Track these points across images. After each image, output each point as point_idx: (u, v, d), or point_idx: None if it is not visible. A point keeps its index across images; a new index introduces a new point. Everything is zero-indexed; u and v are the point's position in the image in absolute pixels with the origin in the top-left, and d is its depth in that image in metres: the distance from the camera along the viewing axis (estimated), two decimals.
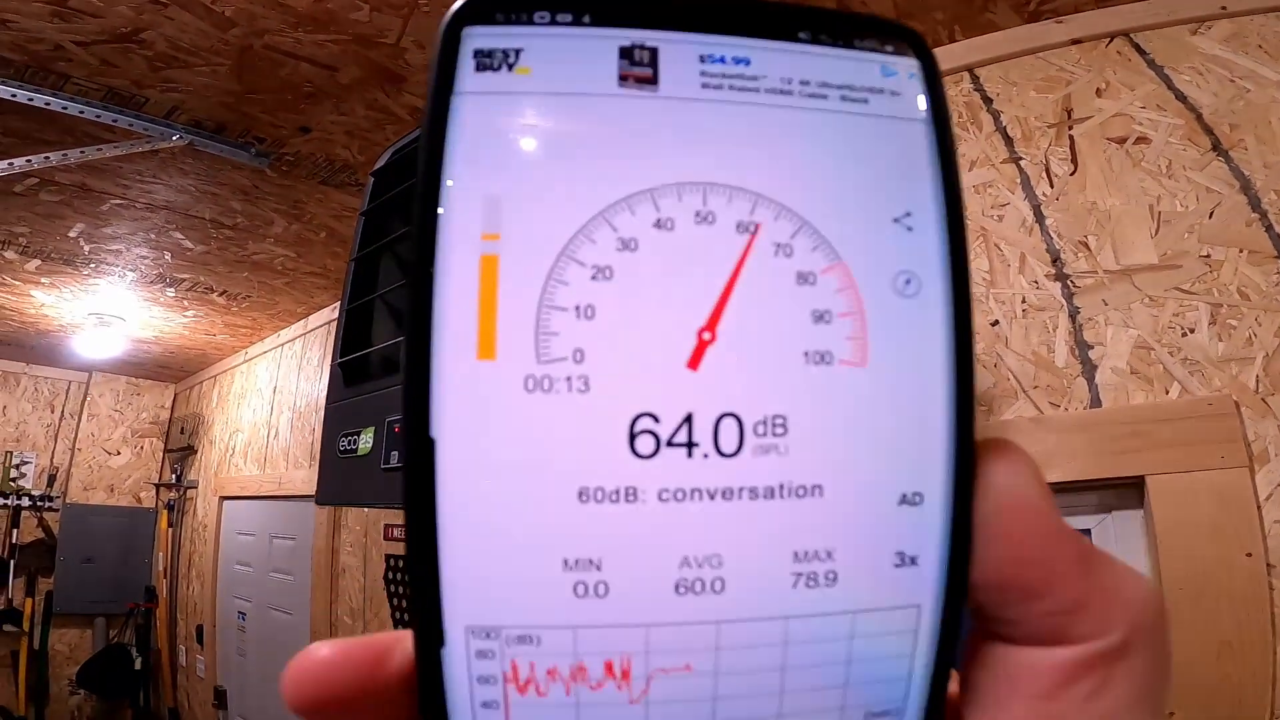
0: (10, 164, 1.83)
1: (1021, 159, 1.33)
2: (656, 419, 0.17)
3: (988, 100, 1.40)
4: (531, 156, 0.18)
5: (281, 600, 3.20)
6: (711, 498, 0.17)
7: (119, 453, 4.57)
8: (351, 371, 1.05)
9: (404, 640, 0.18)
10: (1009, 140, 1.35)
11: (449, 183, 0.17)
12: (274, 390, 3.50)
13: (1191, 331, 1.12)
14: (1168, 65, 1.25)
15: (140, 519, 4.44)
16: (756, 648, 0.17)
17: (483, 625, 0.17)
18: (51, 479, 4.27)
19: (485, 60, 0.18)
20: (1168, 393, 1.12)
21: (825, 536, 0.17)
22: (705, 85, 0.18)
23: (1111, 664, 0.17)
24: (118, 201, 2.25)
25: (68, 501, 4.28)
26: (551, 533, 0.17)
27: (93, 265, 2.80)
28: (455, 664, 0.17)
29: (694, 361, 0.17)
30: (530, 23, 0.18)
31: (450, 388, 0.17)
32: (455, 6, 0.18)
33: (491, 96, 0.18)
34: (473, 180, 0.17)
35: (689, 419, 0.17)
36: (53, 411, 4.43)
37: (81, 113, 1.69)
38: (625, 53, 0.18)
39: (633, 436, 0.17)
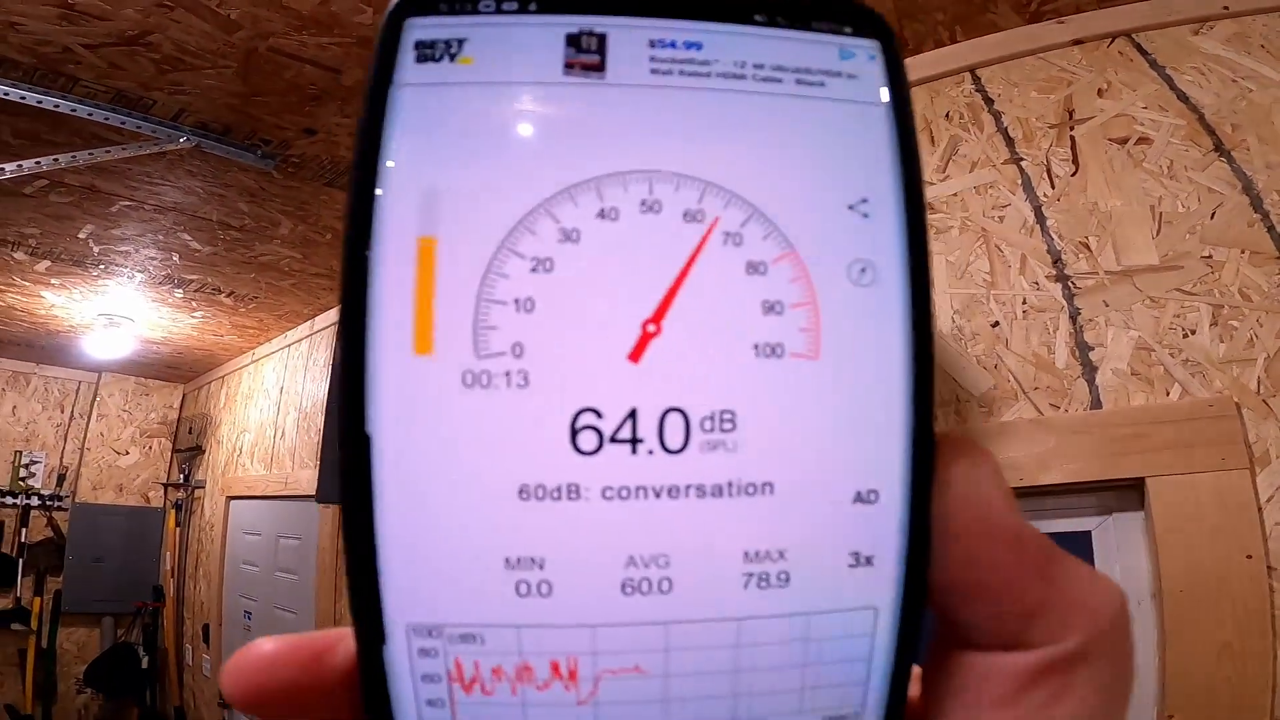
0: (20, 165, 1.85)
1: (1023, 160, 1.33)
2: (599, 414, 0.17)
3: (989, 101, 1.40)
4: (471, 148, 0.17)
5: (287, 600, 3.22)
6: (657, 495, 0.17)
7: (128, 452, 4.59)
8: None
9: (346, 637, 0.17)
10: (1010, 141, 1.35)
11: (385, 175, 0.17)
12: (280, 391, 3.51)
13: (1192, 333, 1.11)
14: (1169, 65, 1.24)
15: (148, 518, 4.46)
16: (708, 650, 0.17)
17: (424, 624, 0.16)
18: (61, 478, 4.29)
19: (426, 51, 0.17)
20: (1168, 394, 1.11)
21: (777, 536, 0.17)
22: (655, 71, 0.18)
23: (1071, 670, 0.16)
24: (126, 203, 2.27)
25: (77, 501, 4.30)
26: (492, 531, 0.16)
27: (102, 266, 2.82)
28: (398, 662, 0.16)
29: (637, 355, 0.17)
30: (475, 12, 0.17)
31: (386, 383, 0.16)
32: None
33: (431, 88, 0.17)
34: (410, 172, 0.17)
35: (633, 414, 0.17)
36: (62, 411, 4.45)
37: (90, 115, 1.70)
38: (572, 40, 0.18)
39: (574, 433, 0.16)
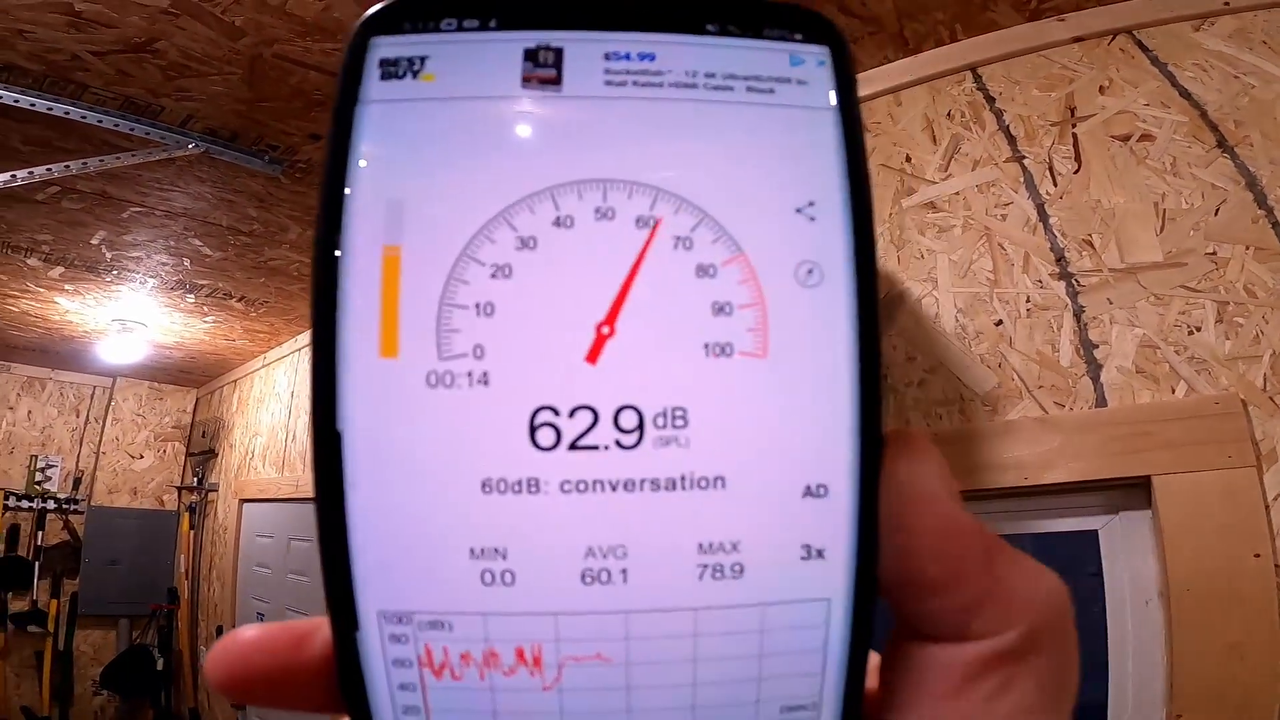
0: (31, 172, 1.87)
1: (1025, 158, 1.32)
2: (556, 412, 0.17)
3: (990, 99, 1.39)
4: (433, 160, 0.18)
5: (298, 602, 3.23)
6: (614, 489, 0.17)
7: (142, 456, 4.64)
8: None
9: (324, 625, 0.18)
10: (1012, 139, 1.35)
11: (351, 189, 0.18)
12: (291, 394, 3.54)
13: (1198, 330, 1.11)
14: (1171, 62, 1.24)
15: (163, 521, 4.49)
16: (666, 639, 0.17)
17: (394, 610, 0.17)
18: (77, 482, 4.34)
19: (390, 69, 0.18)
20: (1174, 392, 1.10)
21: (730, 528, 0.17)
22: (609, 83, 0.18)
23: (1013, 663, 0.17)
24: (137, 209, 2.29)
25: (92, 504, 4.34)
26: (457, 522, 0.17)
27: (114, 272, 2.84)
28: (370, 647, 0.17)
29: (593, 355, 0.17)
30: (437, 30, 0.18)
31: (355, 384, 0.17)
32: (363, 17, 0.18)
33: (394, 104, 0.18)
34: (375, 185, 0.18)
35: (589, 412, 0.17)
36: (78, 416, 4.50)
37: (100, 122, 1.72)
38: (530, 54, 0.18)
39: (533, 429, 0.17)
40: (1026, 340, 1.24)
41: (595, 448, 0.17)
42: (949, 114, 1.43)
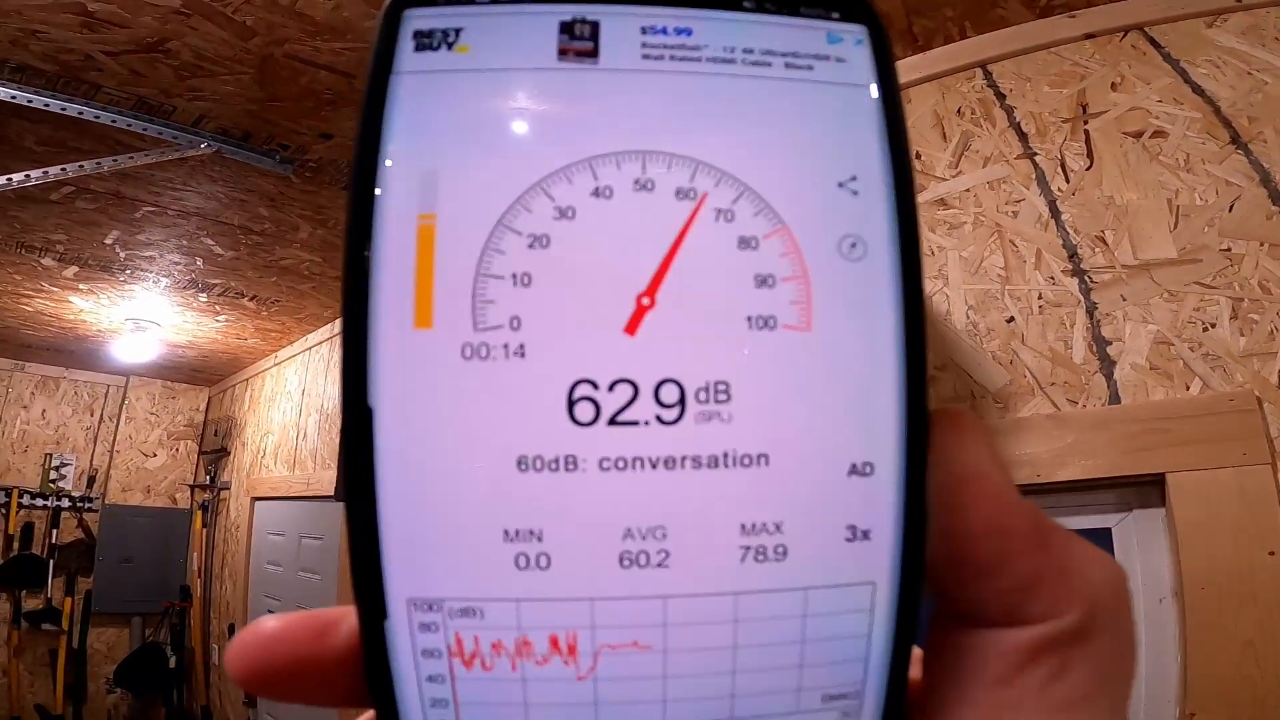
0: (45, 172, 1.89)
1: (1036, 154, 1.32)
2: (595, 386, 0.17)
3: (1001, 96, 1.38)
4: (468, 131, 0.18)
5: (309, 599, 3.25)
6: (654, 467, 0.17)
7: (155, 455, 4.67)
8: None
9: (349, 614, 0.17)
10: (1023, 136, 1.34)
11: (386, 159, 0.17)
12: (302, 393, 3.55)
13: (1212, 326, 1.10)
14: (1184, 58, 1.23)
15: (176, 519, 4.52)
16: (706, 624, 0.17)
17: (425, 598, 0.16)
18: (91, 480, 4.37)
19: (424, 40, 0.18)
20: (1188, 388, 1.10)
21: (773, 508, 0.17)
22: (646, 56, 0.18)
23: (1069, 648, 0.16)
24: (150, 208, 2.30)
25: (106, 502, 4.37)
26: (491, 502, 0.16)
27: (128, 271, 2.86)
28: (399, 637, 0.16)
29: (632, 327, 0.17)
30: (471, 2, 0.18)
31: (387, 357, 0.16)
32: None
33: (429, 75, 0.18)
34: (408, 155, 0.17)
35: (629, 385, 0.17)
36: (92, 415, 4.53)
37: (114, 122, 1.73)
38: (565, 27, 0.18)
39: (571, 404, 0.17)
40: (1039, 337, 1.24)
41: (635, 423, 0.17)
42: (959, 111, 1.43)
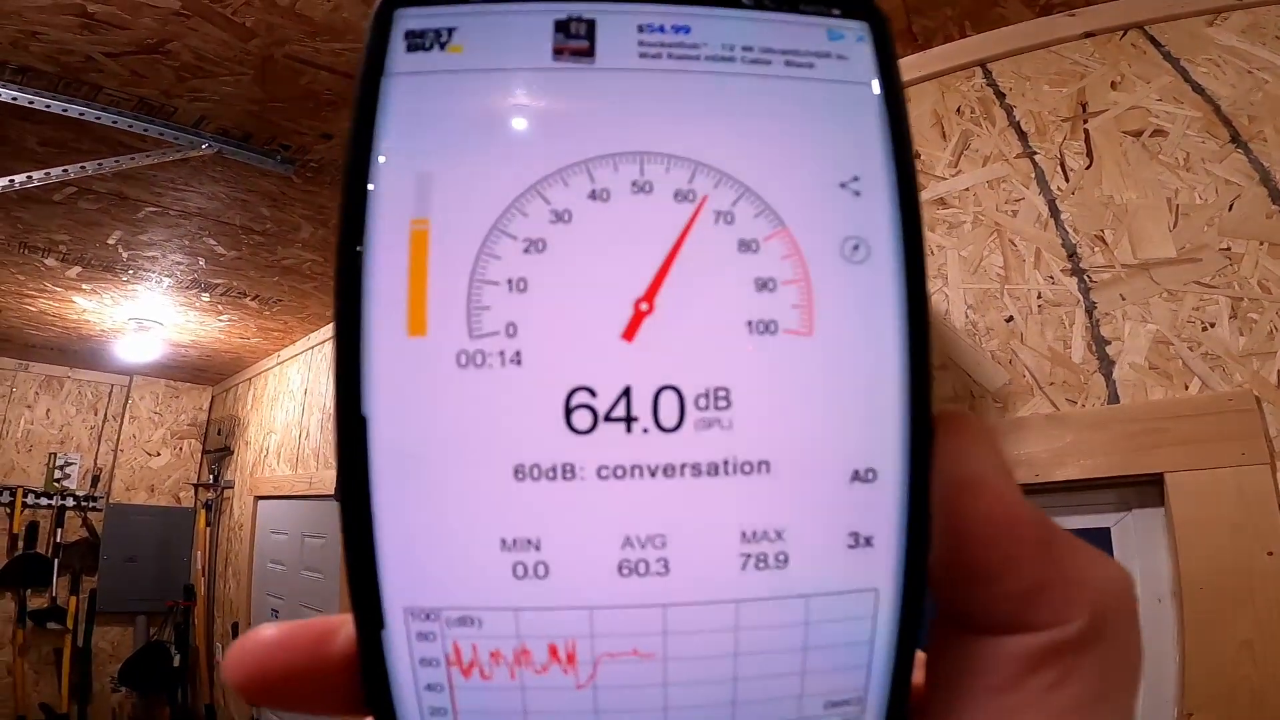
0: (47, 173, 1.89)
1: (1036, 153, 1.31)
2: (593, 393, 0.16)
3: (1000, 95, 1.38)
4: (462, 133, 0.17)
5: (312, 598, 3.26)
6: (653, 475, 0.16)
7: (159, 454, 4.68)
8: None
9: (347, 622, 0.17)
10: (1023, 135, 1.34)
11: (378, 161, 0.17)
12: (305, 392, 3.56)
13: (1212, 326, 1.10)
14: (1184, 57, 1.22)
15: (180, 518, 4.53)
16: (706, 632, 0.16)
17: (422, 607, 0.16)
18: (95, 479, 4.38)
19: (416, 41, 0.18)
20: (1187, 388, 1.10)
21: (774, 515, 0.17)
22: (644, 55, 0.18)
23: (1074, 654, 0.16)
24: (153, 209, 2.31)
25: (110, 501, 4.38)
26: (488, 511, 0.16)
27: (131, 271, 2.87)
28: (396, 646, 0.16)
29: (630, 333, 0.17)
30: (464, 1, 0.18)
31: (381, 365, 0.16)
32: None
33: (421, 76, 0.17)
34: (401, 158, 0.17)
35: (627, 392, 0.16)
36: (96, 414, 4.54)
37: (115, 123, 1.74)
38: (561, 26, 0.18)
39: (569, 411, 0.16)
40: (1038, 336, 1.24)
41: (634, 431, 0.16)
42: (959, 110, 1.42)
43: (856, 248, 0.17)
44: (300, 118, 1.76)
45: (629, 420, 0.16)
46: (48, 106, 1.66)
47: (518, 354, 0.16)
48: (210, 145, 1.85)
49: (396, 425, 0.16)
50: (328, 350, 3.44)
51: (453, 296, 0.17)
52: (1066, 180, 1.27)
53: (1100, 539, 1.16)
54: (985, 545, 0.16)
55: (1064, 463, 1.15)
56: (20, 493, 4.10)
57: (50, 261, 2.79)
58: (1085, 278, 1.21)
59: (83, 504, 4.28)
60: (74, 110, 1.68)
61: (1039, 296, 1.25)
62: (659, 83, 0.18)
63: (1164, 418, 1.09)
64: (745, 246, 0.17)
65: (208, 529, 4.35)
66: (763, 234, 0.17)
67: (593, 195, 0.17)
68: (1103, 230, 1.22)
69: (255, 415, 4.15)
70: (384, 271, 0.16)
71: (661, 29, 0.18)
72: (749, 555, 0.16)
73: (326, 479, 3.10)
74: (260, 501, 3.84)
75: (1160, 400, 1.11)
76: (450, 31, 0.18)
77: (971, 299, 1.31)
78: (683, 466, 0.16)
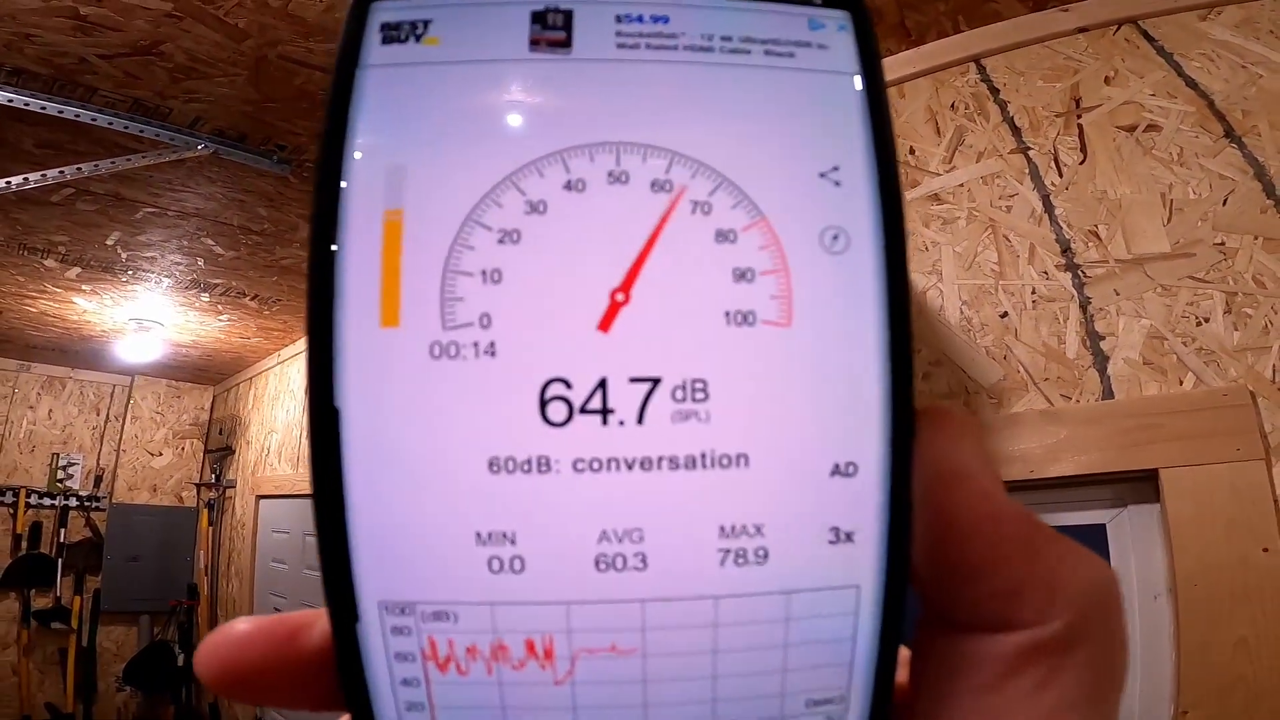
0: (44, 175, 1.89)
1: (1029, 149, 1.31)
2: (569, 385, 0.16)
3: (994, 90, 1.38)
4: (436, 125, 0.17)
5: (315, 597, 3.24)
6: (629, 468, 0.16)
7: (161, 454, 4.69)
8: None
9: (322, 617, 0.17)
10: (1016, 130, 1.33)
11: (352, 153, 0.17)
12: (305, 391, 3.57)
13: (1206, 321, 1.09)
14: (1177, 52, 1.22)
15: (182, 518, 4.54)
16: (685, 629, 0.16)
17: (396, 601, 0.16)
18: (98, 480, 4.39)
19: (392, 33, 0.17)
20: (1182, 383, 1.09)
21: (753, 510, 0.16)
22: (621, 45, 0.18)
23: (1058, 653, 0.15)
24: (150, 210, 2.31)
25: (113, 501, 4.39)
26: (462, 505, 0.16)
27: (130, 272, 2.88)
28: (371, 640, 0.16)
29: (606, 324, 0.16)
30: None
31: (353, 356, 0.16)
32: None
33: (397, 68, 0.17)
34: (375, 149, 0.17)
35: (603, 384, 0.16)
36: (98, 414, 4.55)
37: (110, 124, 1.74)
38: (538, 17, 0.18)
39: (544, 403, 0.16)
40: (1032, 332, 1.23)
41: (610, 423, 0.16)
42: (952, 105, 1.42)
43: (836, 238, 0.17)
44: (295, 118, 1.77)
45: (605, 412, 0.16)
46: (43, 108, 1.66)
47: (492, 345, 0.16)
48: (206, 146, 1.85)
49: (369, 417, 0.16)
50: None
51: (426, 287, 0.16)
52: (1060, 175, 1.27)
53: (1095, 535, 1.16)
54: (967, 541, 0.16)
55: (1059, 459, 1.14)
56: (23, 493, 4.11)
57: (50, 263, 2.79)
58: (1079, 273, 1.21)
59: (86, 504, 4.29)
60: (69, 112, 1.69)
61: (1033, 292, 1.25)
62: (636, 73, 0.18)
63: (1159, 413, 1.08)
64: (723, 237, 0.17)
65: (210, 528, 4.36)
66: (741, 224, 0.17)
67: (568, 186, 0.17)
68: (1097, 225, 1.21)
69: (256, 414, 4.15)
70: (357, 261, 0.16)
71: (640, 19, 0.18)
72: (728, 550, 0.16)
73: None
74: (262, 501, 3.85)
75: (1155, 396, 1.11)
76: (426, 24, 0.18)
77: (966, 295, 1.31)
78: (660, 459, 0.16)
